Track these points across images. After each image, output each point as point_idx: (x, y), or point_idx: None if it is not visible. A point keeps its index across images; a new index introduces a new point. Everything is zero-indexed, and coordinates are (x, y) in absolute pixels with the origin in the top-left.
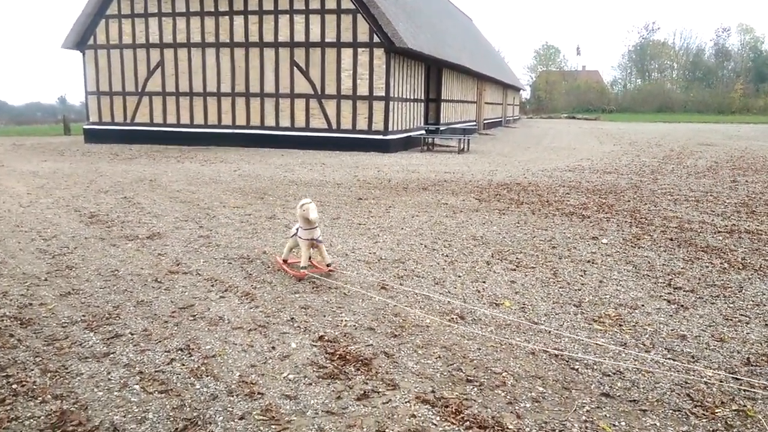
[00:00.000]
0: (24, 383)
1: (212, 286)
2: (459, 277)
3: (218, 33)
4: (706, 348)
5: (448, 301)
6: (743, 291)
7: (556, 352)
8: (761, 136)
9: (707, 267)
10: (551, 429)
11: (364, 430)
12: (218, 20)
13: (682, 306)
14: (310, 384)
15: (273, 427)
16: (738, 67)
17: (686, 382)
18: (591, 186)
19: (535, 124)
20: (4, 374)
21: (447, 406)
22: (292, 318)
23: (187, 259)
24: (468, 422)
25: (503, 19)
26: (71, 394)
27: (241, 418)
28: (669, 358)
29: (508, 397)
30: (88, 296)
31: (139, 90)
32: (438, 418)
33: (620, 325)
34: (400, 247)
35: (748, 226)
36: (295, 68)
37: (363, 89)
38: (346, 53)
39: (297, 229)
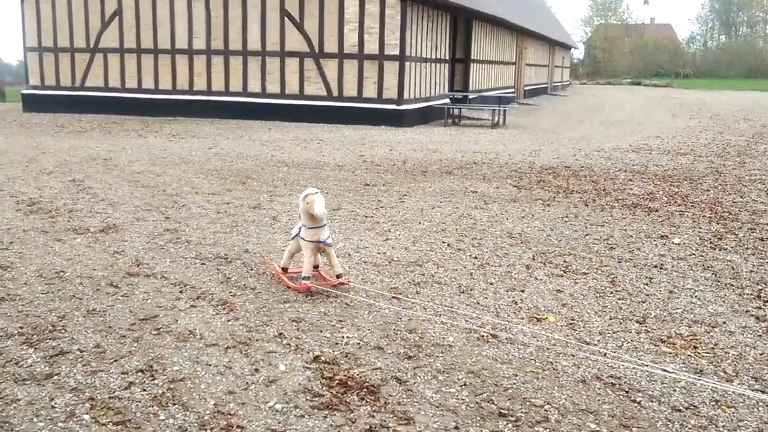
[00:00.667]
0: None
1: (181, 292)
2: (491, 284)
3: None
4: None
5: (477, 315)
6: None
7: (613, 380)
8: None
9: None
10: None
11: None
12: None
13: None
14: (303, 416)
15: None
16: None
17: None
18: (660, 171)
19: (590, 92)
20: None
21: None
22: (281, 333)
23: (150, 258)
24: None
25: None
26: (5, 425)
27: None
28: (757, 389)
29: None
30: (26, 303)
31: (92, 46)
32: None
33: (695, 348)
34: (416, 246)
35: None
36: (286, 19)
37: (372, 46)
38: (351, 0)
39: (299, 229)
